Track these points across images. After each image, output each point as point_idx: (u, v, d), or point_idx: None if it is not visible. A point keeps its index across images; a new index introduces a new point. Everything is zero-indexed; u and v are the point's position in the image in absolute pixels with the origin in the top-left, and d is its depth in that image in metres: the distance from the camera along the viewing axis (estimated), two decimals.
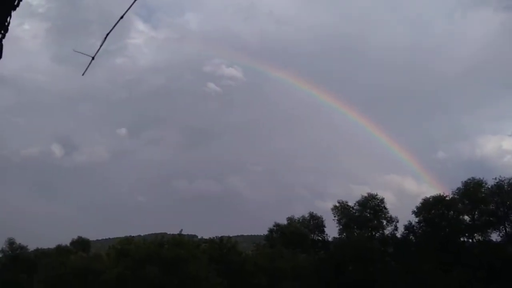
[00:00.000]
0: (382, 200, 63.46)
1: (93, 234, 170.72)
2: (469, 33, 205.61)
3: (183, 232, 62.79)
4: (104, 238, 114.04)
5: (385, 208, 63.19)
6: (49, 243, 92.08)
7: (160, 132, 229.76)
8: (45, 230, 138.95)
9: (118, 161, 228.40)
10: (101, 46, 4.94)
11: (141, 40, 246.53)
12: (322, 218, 68.76)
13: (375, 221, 62.91)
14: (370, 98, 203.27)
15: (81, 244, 70.98)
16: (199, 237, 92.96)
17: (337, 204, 64.36)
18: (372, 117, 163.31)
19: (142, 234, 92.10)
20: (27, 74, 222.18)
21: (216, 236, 67.36)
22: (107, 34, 4.91)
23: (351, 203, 64.31)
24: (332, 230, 67.84)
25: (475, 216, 59.43)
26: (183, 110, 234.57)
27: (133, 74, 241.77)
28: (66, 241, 71.20)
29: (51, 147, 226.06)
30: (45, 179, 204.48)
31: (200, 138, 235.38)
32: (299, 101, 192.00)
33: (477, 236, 59.50)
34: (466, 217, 60.11)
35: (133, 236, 73.70)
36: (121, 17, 4.84)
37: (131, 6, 4.80)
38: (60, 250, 64.88)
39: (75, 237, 72.63)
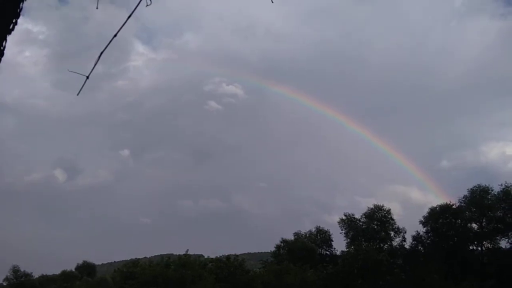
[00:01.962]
0: (388, 211, 63.06)
1: (98, 258, 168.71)
2: (467, 40, 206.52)
3: (190, 252, 62.26)
4: (110, 261, 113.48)
5: (392, 219, 62.75)
6: (54, 269, 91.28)
7: (163, 152, 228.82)
8: (50, 255, 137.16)
9: (121, 183, 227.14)
10: (95, 65, 4.91)
11: (141, 62, 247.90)
12: (329, 232, 68.30)
13: (383, 233, 62.29)
14: (371, 110, 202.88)
15: (86, 268, 70.52)
16: (205, 256, 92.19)
17: (344, 217, 63.92)
18: (374, 128, 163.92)
19: (148, 256, 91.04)
20: (29, 100, 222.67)
21: (223, 255, 66.84)
22: (101, 53, 4.89)
23: (357, 216, 63.90)
24: (339, 243, 67.22)
25: (483, 224, 58.87)
26: (185, 129, 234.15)
27: (134, 95, 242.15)
28: (71, 266, 70.87)
29: (54, 172, 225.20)
30: (49, 205, 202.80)
31: (203, 156, 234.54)
32: (301, 115, 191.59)
33: (486, 244, 58.82)
34: (474, 225, 59.64)
35: (139, 259, 72.97)
36: (115, 35, 4.82)
37: (123, 24, 4.80)
38: (65, 275, 64.36)
39: (80, 261, 72.30)
